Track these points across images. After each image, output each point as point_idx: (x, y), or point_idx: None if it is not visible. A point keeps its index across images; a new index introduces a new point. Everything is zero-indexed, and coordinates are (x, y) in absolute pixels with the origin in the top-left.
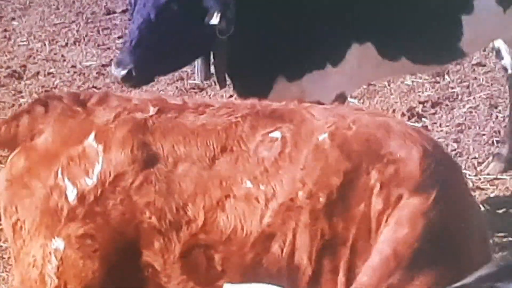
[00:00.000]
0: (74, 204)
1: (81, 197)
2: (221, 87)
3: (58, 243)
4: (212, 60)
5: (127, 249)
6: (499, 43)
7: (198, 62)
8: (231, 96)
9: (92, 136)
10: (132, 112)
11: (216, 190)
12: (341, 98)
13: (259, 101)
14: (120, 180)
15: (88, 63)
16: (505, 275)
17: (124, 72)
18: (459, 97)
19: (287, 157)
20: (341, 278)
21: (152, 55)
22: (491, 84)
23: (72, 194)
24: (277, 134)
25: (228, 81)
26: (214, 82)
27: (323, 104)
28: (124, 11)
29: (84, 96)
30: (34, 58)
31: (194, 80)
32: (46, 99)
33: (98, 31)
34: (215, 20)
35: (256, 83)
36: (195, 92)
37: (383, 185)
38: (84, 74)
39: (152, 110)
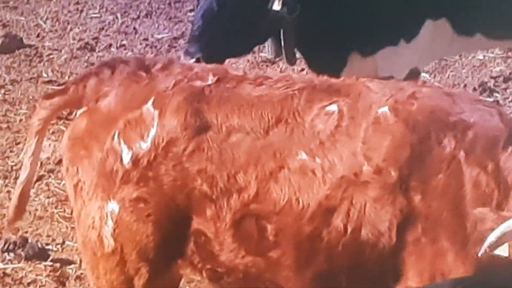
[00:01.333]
0: (129, 168)
1: (135, 160)
2: (290, 64)
3: (114, 205)
4: (282, 37)
5: (180, 216)
6: None
7: (269, 39)
8: (302, 69)
9: (151, 101)
10: (192, 80)
11: (270, 161)
12: (414, 74)
13: (317, 76)
14: (173, 146)
15: (159, 36)
16: None
17: (193, 61)
18: None
19: (344, 131)
20: (426, 250)
21: (217, 42)
22: None
23: (127, 157)
24: (333, 108)
25: (299, 55)
26: None
27: (395, 79)
28: None
29: (149, 62)
30: (106, 30)
31: (265, 53)
32: (114, 63)
33: (170, 4)
34: (277, 6)
35: (330, 59)
36: (266, 66)
37: (468, 152)
38: (155, 46)
39: (211, 79)
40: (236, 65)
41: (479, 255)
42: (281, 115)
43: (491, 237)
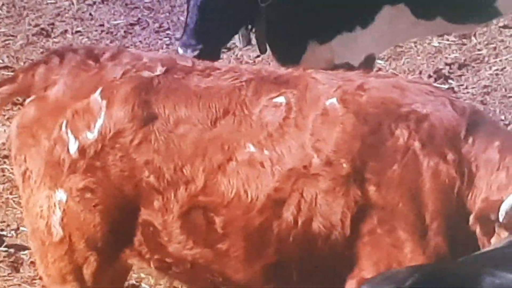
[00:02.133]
0: (76, 157)
1: (82, 150)
2: (261, 53)
3: (61, 194)
4: (251, 26)
5: (128, 206)
6: None
7: None
8: (258, 56)
9: (98, 91)
10: (140, 70)
11: (217, 153)
12: (370, 60)
13: (266, 67)
14: (120, 136)
15: (115, 22)
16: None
17: (194, 54)
18: (486, 59)
19: (292, 123)
20: (382, 241)
21: (216, 32)
22: None
23: (74, 147)
24: (281, 99)
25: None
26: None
27: (352, 66)
28: None
29: (98, 51)
30: (62, 16)
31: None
32: (63, 51)
33: None
34: None
35: (290, 47)
36: (223, 52)
37: (424, 142)
38: (111, 32)
39: (159, 70)
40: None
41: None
42: (228, 107)
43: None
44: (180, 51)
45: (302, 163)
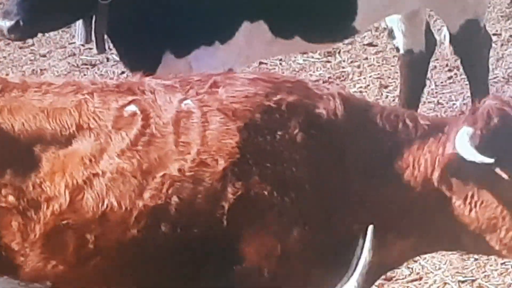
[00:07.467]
0: None
1: None
2: (99, 52)
3: None
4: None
5: None
6: (391, 23)
7: (79, 25)
8: (123, 72)
9: None
10: None
11: (79, 168)
12: None
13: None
14: None
15: None
16: None
17: (11, 23)
18: (350, 76)
19: (153, 129)
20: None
21: (40, 8)
22: (382, 64)
23: None
24: (133, 108)
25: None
26: (107, 59)
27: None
28: None
29: None
30: None
31: (86, 56)
32: None
33: None
34: None
35: (143, 56)
36: (87, 68)
37: (307, 130)
38: None
39: None
40: (56, 68)
41: None
42: (80, 121)
43: None
44: None
45: (173, 167)
